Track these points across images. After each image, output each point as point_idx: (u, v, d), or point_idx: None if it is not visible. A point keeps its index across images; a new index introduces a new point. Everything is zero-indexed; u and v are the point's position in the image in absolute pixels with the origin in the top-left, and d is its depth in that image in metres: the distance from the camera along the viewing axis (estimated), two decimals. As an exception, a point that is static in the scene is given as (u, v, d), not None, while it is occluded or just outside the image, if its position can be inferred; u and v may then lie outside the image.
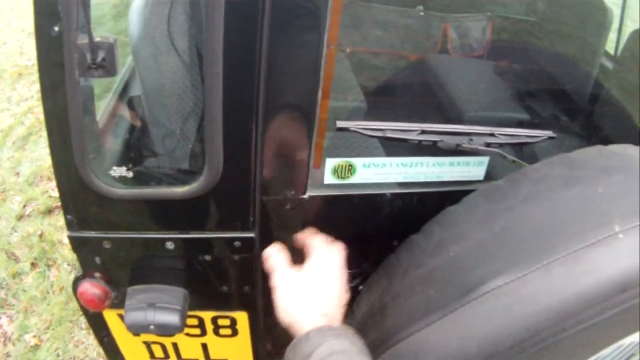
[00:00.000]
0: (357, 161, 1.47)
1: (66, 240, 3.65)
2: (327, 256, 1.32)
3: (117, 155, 1.61)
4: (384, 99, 2.17)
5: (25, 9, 7.15)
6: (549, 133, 1.56)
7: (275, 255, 1.33)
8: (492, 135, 1.48)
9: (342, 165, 1.46)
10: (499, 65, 2.56)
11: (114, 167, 1.43)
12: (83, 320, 3.30)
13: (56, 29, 1.15)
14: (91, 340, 3.22)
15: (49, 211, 4.09)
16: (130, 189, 1.42)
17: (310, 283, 1.27)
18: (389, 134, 1.44)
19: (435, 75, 2.47)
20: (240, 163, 1.36)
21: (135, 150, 1.66)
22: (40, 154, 4.66)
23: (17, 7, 7.42)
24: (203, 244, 1.52)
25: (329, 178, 1.48)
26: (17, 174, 4.49)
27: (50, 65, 1.21)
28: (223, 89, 1.22)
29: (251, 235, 1.50)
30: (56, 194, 4.03)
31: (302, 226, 1.50)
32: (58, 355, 3.17)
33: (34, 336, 3.27)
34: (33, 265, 3.70)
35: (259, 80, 1.24)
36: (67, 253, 3.72)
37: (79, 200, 1.43)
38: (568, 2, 2.64)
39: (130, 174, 1.44)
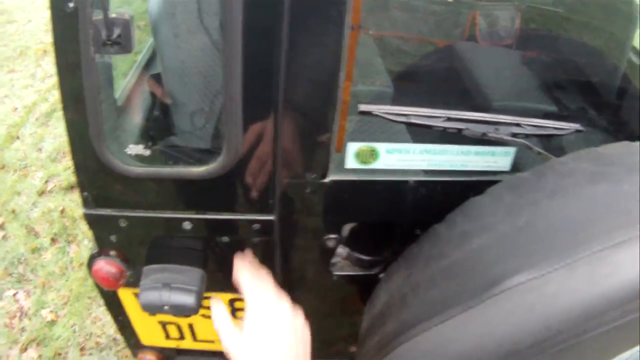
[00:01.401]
0: (380, 146, 1.44)
1: (88, 216, 3.68)
2: (261, 301, 1.23)
3: (134, 133, 1.60)
4: (410, 84, 2.13)
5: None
6: (576, 126, 1.51)
7: (216, 310, 1.23)
8: (518, 125, 1.44)
9: (364, 150, 1.44)
10: (527, 55, 2.52)
11: (131, 145, 1.43)
12: (101, 296, 3.33)
13: (71, 4, 1.13)
14: (109, 317, 3.22)
15: (71, 187, 4.09)
16: (147, 167, 1.40)
17: (257, 346, 1.16)
18: (413, 120, 1.40)
19: (462, 62, 2.43)
20: (260, 143, 1.33)
21: (152, 128, 1.65)
22: (63, 130, 4.61)
23: (43, -16, 7.44)
24: (221, 226, 1.51)
25: (351, 162, 1.45)
26: (40, 149, 4.50)
27: (66, 42, 1.19)
28: (243, 67, 1.20)
29: (270, 218, 1.48)
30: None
31: (322, 211, 1.48)
32: (74, 332, 3.18)
33: (51, 312, 3.29)
34: (53, 240, 3.71)
35: (280, 59, 1.21)
36: (87, 229, 3.69)
37: (95, 178, 1.42)
38: None
39: (147, 152, 1.43)
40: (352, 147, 1.43)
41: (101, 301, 3.26)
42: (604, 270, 1.03)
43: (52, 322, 3.23)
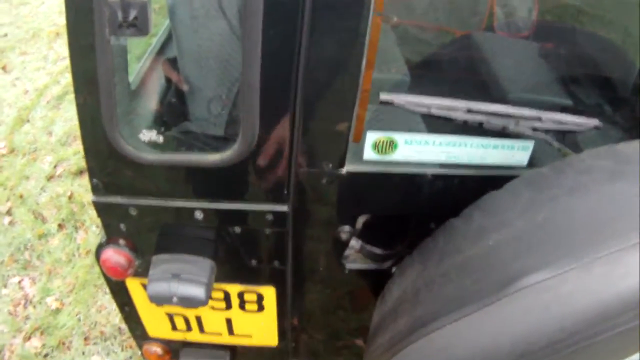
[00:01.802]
0: (399, 137, 1.43)
1: (96, 201, 3.68)
2: None
3: (147, 118, 1.60)
4: (427, 73, 2.12)
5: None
6: (595, 122, 1.50)
7: None
8: (539, 119, 1.43)
9: (383, 141, 1.42)
10: (544, 47, 2.50)
11: (144, 131, 1.41)
12: (107, 285, 3.33)
13: None
14: (114, 305, 3.22)
15: (80, 172, 4.09)
16: (160, 154, 1.40)
17: None
18: (434, 111, 1.39)
19: (479, 52, 2.41)
20: (276, 132, 1.32)
21: (166, 113, 1.65)
22: (74, 114, 4.60)
23: (58, -34, 7.43)
24: (233, 215, 1.50)
25: (369, 153, 1.44)
26: (50, 133, 4.50)
27: (80, 23, 1.19)
28: (262, 53, 1.19)
29: (284, 208, 1.47)
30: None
31: (338, 202, 1.48)
32: (79, 320, 3.18)
33: (56, 299, 3.29)
34: (60, 226, 3.71)
35: (299, 45, 1.20)
36: (96, 215, 3.69)
37: (106, 164, 1.41)
38: None
39: (160, 139, 1.41)
40: (371, 137, 1.41)
41: (107, 289, 3.26)
42: (620, 271, 1.03)
43: (57, 311, 3.23)
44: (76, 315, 3.20)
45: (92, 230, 3.66)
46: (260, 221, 1.49)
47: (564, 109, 2.02)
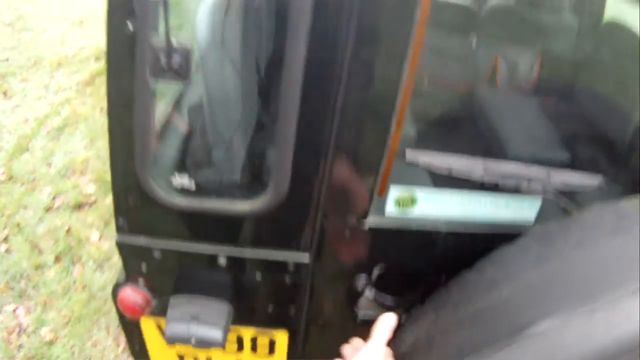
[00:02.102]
0: (419, 193, 1.48)
1: (94, 238, 3.70)
2: None
3: (178, 164, 1.61)
4: (431, 128, 2.18)
5: (68, -3, 7.31)
6: (599, 180, 1.57)
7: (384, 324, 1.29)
8: (549, 179, 1.50)
9: (405, 197, 1.47)
10: (545, 103, 2.57)
11: (176, 177, 1.43)
12: (103, 321, 3.33)
13: (130, 27, 1.15)
14: (110, 341, 3.24)
15: (79, 206, 4.10)
16: (191, 199, 1.42)
17: None
18: (455, 172, 1.45)
19: (481, 107, 2.48)
20: (307, 184, 1.37)
21: (197, 160, 1.66)
22: (74, 147, 4.69)
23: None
24: (256, 262, 1.53)
25: (390, 208, 1.49)
26: (49, 164, 4.51)
27: (120, 65, 1.21)
28: (299, 111, 1.23)
29: (306, 257, 1.51)
30: (87, 189, 4.11)
31: (357, 253, 1.52)
32: (73, 354, 3.18)
33: (51, 331, 3.29)
34: (57, 259, 3.71)
35: (335, 104, 1.25)
36: (93, 251, 3.74)
37: (135, 206, 1.43)
38: (614, 44, 2.65)
39: (193, 185, 1.44)
40: (394, 193, 1.47)
41: (103, 325, 3.28)
42: (618, 317, 1.09)
43: (51, 342, 3.23)
44: (70, 348, 3.20)
45: (89, 266, 3.66)
46: (281, 269, 1.52)
47: (565, 165, 2.10)
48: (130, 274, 1.59)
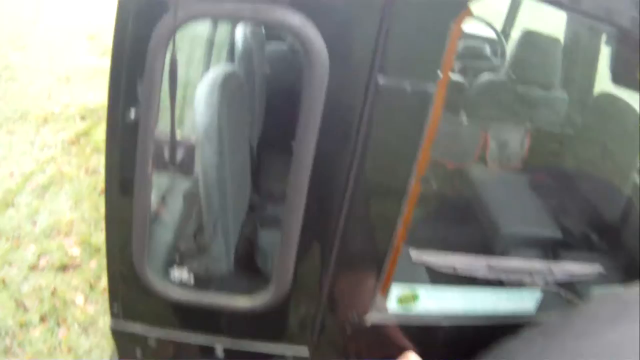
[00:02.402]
0: (421, 291, 1.52)
1: (79, 301, 3.71)
2: None
3: (177, 256, 1.61)
4: (426, 217, 2.22)
5: (58, 50, 7.37)
6: (599, 269, 1.63)
7: None
8: (551, 272, 1.55)
9: (407, 294, 1.51)
10: (536, 180, 2.62)
11: (175, 269, 1.45)
12: (89, 384, 3.32)
13: (132, 115, 1.17)
14: (94, 405, 3.23)
15: (64, 268, 4.11)
16: (190, 292, 1.44)
17: None
18: (459, 271, 1.51)
19: (472, 187, 2.52)
20: (310, 282, 1.40)
21: (196, 252, 1.66)
22: (59, 207, 4.71)
23: (48, 45, 7.57)
24: (255, 354, 1.53)
25: (392, 306, 1.52)
26: (34, 222, 4.53)
27: (120, 154, 1.23)
28: (304, 213, 1.27)
29: (305, 351, 1.52)
30: (72, 251, 4.13)
31: (356, 346, 1.54)
32: (57, 416, 3.16)
33: (37, 390, 3.26)
34: (42, 319, 3.71)
35: (341, 207, 1.29)
36: (79, 314, 3.74)
37: (131, 294, 1.44)
38: (605, 116, 2.71)
39: (192, 280, 1.46)
40: (396, 291, 1.50)
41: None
42: None
43: (36, 402, 3.20)
44: (55, 410, 3.17)
45: (74, 329, 3.66)
46: None
47: (561, 245, 2.15)
48: (123, 356, 1.58)
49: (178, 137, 1.19)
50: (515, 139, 2.92)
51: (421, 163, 1.30)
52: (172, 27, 1.13)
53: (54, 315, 3.74)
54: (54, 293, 3.90)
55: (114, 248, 1.38)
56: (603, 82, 3.03)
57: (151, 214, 1.35)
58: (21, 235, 4.37)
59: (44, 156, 5.39)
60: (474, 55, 4.04)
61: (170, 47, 1.14)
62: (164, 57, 1.17)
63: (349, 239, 1.35)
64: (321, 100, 1.19)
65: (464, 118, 3.03)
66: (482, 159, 2.95)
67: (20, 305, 3.78)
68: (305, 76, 1.20)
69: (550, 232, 2.27)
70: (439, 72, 1.24)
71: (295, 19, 1.16)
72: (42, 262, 4.15)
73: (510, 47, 4.20)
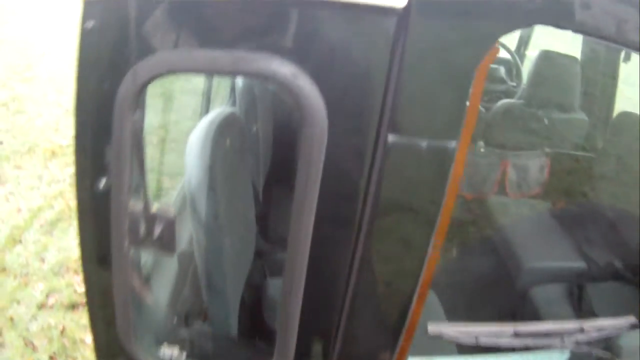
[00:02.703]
0: None
1: (89, 340, 3.62)
2: None
3: (165, 330, 1.52)
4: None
5: (64, 82, 7.33)
6: (632, 320, 1.54)
7: None
8: (582, 331, 1.46)
9: None
10: (557, 208, 2.57)
11: (164, 348, 1.34)
12: None
13: (102, 184, 1.08)
14: None
15: (73, 306, 4.05)
16: None
17: None
18: (482, 342, 1.39)
19: (491, 218, 2.48)
20: (316, 355, 1.29)
21: (186, 327, 1.57)
22: (68, 244, 4.65)
23: (55, 77, 7.60)
24: None
25: None
26: (42, 260, 4.48)
27: (92, 229, 1.14)
28: (305, 281, 1.16)
29: None
30: (82, 289, 4.01)
31: None
32: None
33: None
34: (51, 358, 3.66)
35: (349, 274, 1.19)
36: (89, 354, 3.67)
37: None
38: (624, 138, 2.66)
39: (183, 358, 1.33)
40: None
41: None
42: None
43: None
44: None
45: (85, 369, 3.60)
46: None
47: (586, 277, 2.07)
48: None
49: (155, 208, 1.08)
50: (535, 165, 2.86)
51: (440, 229, 1.16)
52: (137, 86, 1.02)
53: (63, 354, 3.69)
54: (63, 332, 3.84)
55: (99, 324, 1.28)
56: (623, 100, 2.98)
57: (137, 287, 1.25)
58: (29, 272, 4.32)
59: (52, 191, 5.36)
60: (488, 79, 3.96)
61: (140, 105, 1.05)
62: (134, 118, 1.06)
63: (357, 314, 1.23)
64: (319, 162, 1.05)
65: (481, 146, 2.96)
66: (502, 188, 2.90)
67: (29, 345, 3.73)
68: (301, 135, 1.05)
69: (576, 264, 2.21)
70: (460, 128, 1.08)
71: (285, 70, 1.01)
72: (51, 301, 4.10)
73: (526, 67, 4.14)
